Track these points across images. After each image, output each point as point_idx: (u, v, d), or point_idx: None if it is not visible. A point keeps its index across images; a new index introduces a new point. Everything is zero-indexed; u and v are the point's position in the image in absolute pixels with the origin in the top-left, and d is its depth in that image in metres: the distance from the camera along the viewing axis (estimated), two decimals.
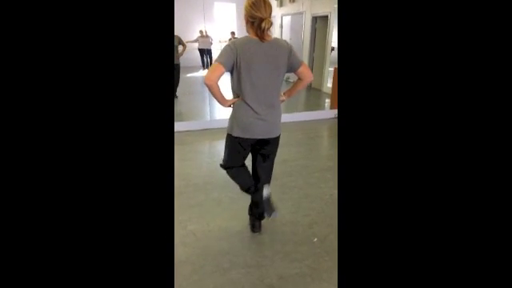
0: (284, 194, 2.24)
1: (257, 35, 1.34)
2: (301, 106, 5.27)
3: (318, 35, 5.97)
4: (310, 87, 6.28)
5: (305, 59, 6.37)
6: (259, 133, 1.48)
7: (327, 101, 5.17)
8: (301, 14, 6.22)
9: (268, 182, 1.72)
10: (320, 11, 5.61)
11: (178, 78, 4.99)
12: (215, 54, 5.59)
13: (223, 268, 1.53)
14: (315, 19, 5.90)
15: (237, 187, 2.28)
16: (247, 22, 1.36)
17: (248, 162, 1.68)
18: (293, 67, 1.45)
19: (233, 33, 6.07)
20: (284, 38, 7.06)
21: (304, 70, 1.48)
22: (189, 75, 5.87)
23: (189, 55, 5.14)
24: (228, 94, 1.51)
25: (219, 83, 1.39)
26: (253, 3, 1.31)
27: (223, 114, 3.78)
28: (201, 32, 5.91)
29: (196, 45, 6.07)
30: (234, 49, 1.33)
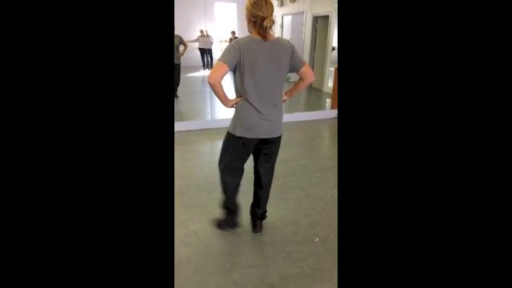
0: (285, 194, 2.24)
1: (259, 34, 1.34)
2: (301, 105, 5.26)
3: (318, 35, 5.97)
4: (310, 87, 6.28)
5: (305, 59, 6.37)
6: (262, 132, 1.47)
7: (328, 101, 5.17)
8: (301, 13, 6.21)
9: (269, 182, 1.72)
10: (321, 11, 5.60)
11: (179, 77, 4.98)
12: (216, 54, 5.60)
13: (225, 268, 1.53)
14: (316, 19, 5.90)
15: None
16: (249, 21, 1.36)
17: (248, 163, 1.68)
18: (295, 67, 1.45)
19: (233, 32, 6.07)
20: (285, 37, 7.06)
21: (306, 70, 1.48)
22: (189, 75, 5.87)
23: (189, 55, 5.13)
24: (230, 95, 1.51)
25: (222, 83, 1.39)
26: (254, 2, 1.31)
27: (224, 113, 3.78)
28: (201, 32, 5.90)
29: (196, 44, 6.07)
30: (238, 48, 1.32)
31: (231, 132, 1.50)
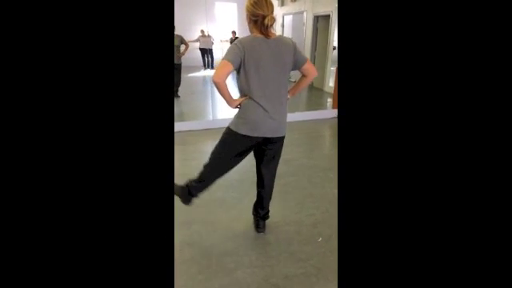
0: (288, 194, 2.24)
1: (261, 33, 1.34)
2: (303, 105, 5.27)
3: (319, 34, 5.97)
4: (311, 86, 6.28)
5: None
6: (267, 131, 1.46)
7: (329, 100, 5.17)
8: (302, 13, 6.21)
9: (272, 183, 1.71)
10: (321, 10, 5.60)
11: (180, 77, 4.98)
12: (216, 54, 5.60)
13: (228, 268, 1.53)
14: (317, 18, 5.89)
15: (241, 186, 2.30)
16: (250, 21, 1.37)
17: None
18: (298, 64, 1.45)
19: (234, 32, 6.06)
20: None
21: (309, 67, 1.48)
22: (190, 75, 5.87)
23: (190, 55, 5.13)
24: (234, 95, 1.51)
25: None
26: (254, 2, 1.32)
27: (225, 113, 3.78)
28: (202, 32, 5.90)
29: (197, 44, 6.07)
30: (241, 47, 1.32)
31: (234, 130, 1.47)
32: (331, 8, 5.27)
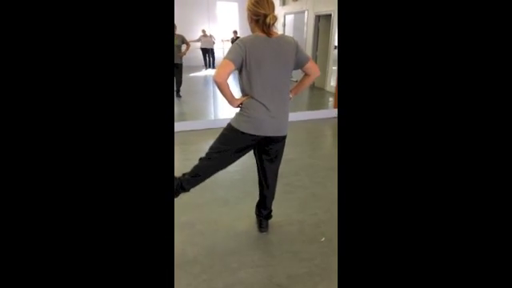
0: (290, 194, 2.23)
1: (263, 32, 1.34)
2: (304, 105, 5.26)
3: (321, 34, 5.96)
4: (313, 86, 6.27)
5: None
6: (269, 130, 1.46)
7: (331, 99, 5.16)
8: (304, 12, 6.20)
9: (275, 182, 1.71)
10: (323, 10, 5.59)
11: (181, 77, 4.98)
12: (218, 54, 5.60)
13: (232, 267, 1.53)
14: (318, 18, 5.88)
15: (243, 186, 2.29)
16: (251, 20, 1.37)
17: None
18: (300, 63, 1.45)
19: (235, 32, 6.06)
20: None
21: (311, 66, 1.48)
22: (191, 75, 5.87)
23: (191, 54, 5.13)
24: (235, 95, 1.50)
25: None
26: (256, 1, 1.32)
27: (227, 113, 3.78)
28: (203, 31, 5.90)
29: (199, 44, 6.07)
30: (243, 46, 1.32)
31: (235, 127, 1.45)
32: (333, 7, 5.26)
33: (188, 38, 4.80)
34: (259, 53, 1.34)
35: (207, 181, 2.37)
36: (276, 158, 1.61)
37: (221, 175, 1.67)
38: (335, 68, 5.37)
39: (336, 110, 4.35)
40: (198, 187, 2.33)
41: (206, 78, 5.92)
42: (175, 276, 1.47)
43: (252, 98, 1.42)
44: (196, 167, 1.61)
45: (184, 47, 4.74)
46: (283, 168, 2.57)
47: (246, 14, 1.38)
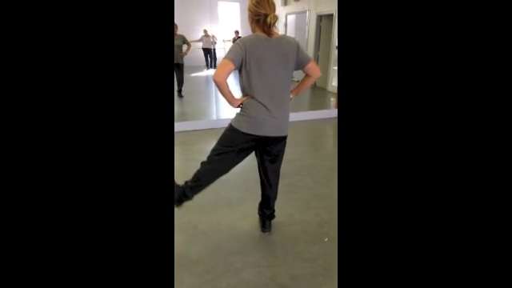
0: (293, 194, 2.23)
1: (264, 32, 1.34)
2: (306, 105, 5.26)
3: (322, 34, 5.96)
4: (314, 86, 6.27)
5: None
6: (269, 130, 1.45)
7: (332, 99, 5.16)
8: (305, 12, 6.20)
9: (277, 182, 1.70)
10: (325, 10, 5.59)
11: (183, 77, 4.99)
12: (219, 54, 5.61)
13: (235, 268, 1.53)
14: (320, 18, 5.88)
15: (245, 186, 2.29)
16: (252, 20, 1.36)
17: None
18: (301, 63, 1.44)
19: (237, 32, 6.06)
20: None
21: (312, 66, 1.47)
22: (193, 75, 5.87)
23: (193, 54, 5.14)
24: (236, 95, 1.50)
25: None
26: (257, 2, 1.32)
27: (229, 113, 3.78)
28: (205, 31, 5.91)
29: (200, 44, 6.08)
30: (243, 46, 1.32)
31: (236, 127, 1.45)
32: (334, 7, 5.26)
33: (190, 38, 4.81)
34: (259, 53, 1.33)
35: None
36: (277, 157, 1.60)
37: (223, 175, 1.67)
38: (337, 68, 5.36)
39: (337, 110, 4.35)
40: None
41: (207, 78, 5.92)
42: (178, 276, 1.47)
43: (252, 97, 1.41)
44: (197, 172, 1.60)
45: (185, 47, 4.75)
46: (285, 168, 2.57)
47: (247, 13, 1.38)
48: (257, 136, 1.45)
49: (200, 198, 2.22)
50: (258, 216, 1.84)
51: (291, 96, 1.56)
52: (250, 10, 1.35)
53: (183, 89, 5.09)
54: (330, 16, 5.51)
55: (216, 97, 4.44)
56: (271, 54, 1.35)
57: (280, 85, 1.42)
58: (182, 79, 5.02)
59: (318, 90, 6.04)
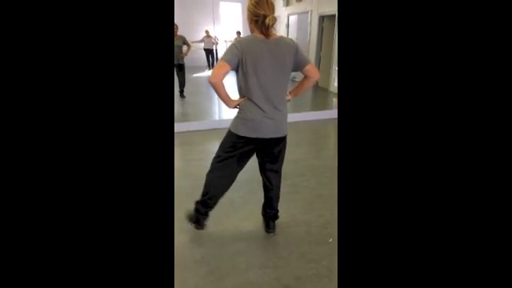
0: (296, 194, 2.23)
1: (262, 33, 1.34)
2: (308, 105, 5.25)
3: (325, 34, 5.95)
4: (316, 86, 6.26)
5: (311, 58, 6.35)
6: (267, 132, 1.45)
7: (334, 100, 5.15)
8: (307, 13, 6.20)
9: (279, 183, 1.69)
10: (327, 10, 5.59)
11: (184, 77, 5.00)
12: (221, 54, 5.62)
13: (240, 268, 1.52)
14: (322, 18, 5.88)
15: (249, 186, 2.28)
16: (251, 21, 1.36)
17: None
18: (299, 65, 1.44)
19: (238, 32, 6.06)
20: (290, 37, 7.04)
21: (310, 69, 1.46)
22: (195, 75, 5.88)
23: (195, 55, 5.15)
24: (234, 96, 1.49)
25: (226, 84, 1.37)
26: (256, 2, 1.32)
27: (232, 113, 3.78)
28: (207, 32, 5.92)
29: (202, 45, 6.08)
30: (240, 47, 1.32)
31: (233, 131, 1.47)
32: (336, 8, 5.26)
33: (192, 39, 4.83)
34: (255, 54, 1.33)
35: None
36: (278, 158, 1.59)
37: (231, 182, 1.66)
38: None
39: None
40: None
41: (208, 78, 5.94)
42: (183, 277, 1.46)
43: (248, 99, 1.41)
44: (204, 185, 1.63)
45: (185, 48, 4.77)
46: (289, 169, 2.57)
47: (246, 14, 1.38)
48: (255, 139, 1.45)
49: None
50: (261, 217, 1.84)
51: (289, 97, 1.56)
52: (249, 11, 1.35)
53: (185, 89, 5.10)
54: (333, 16, 5.51)
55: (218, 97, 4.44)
56: (268, 56, 1.34)
57: (277, 86, 1.41)
58: (184, 80, 5.03)
59: (321, 91, 6.04)
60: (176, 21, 3.47)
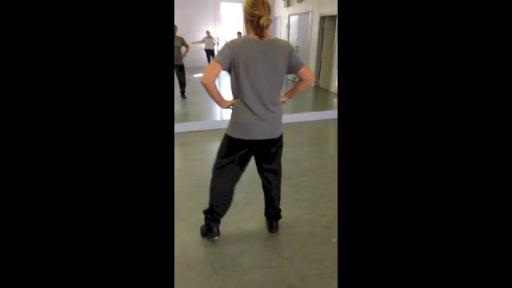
0: (299, 194, 2.22)
1: (256, 33, 1.34)
2: (309, 105, 5.26)
3: (325, 35, 5.96)
4: (317, 87, 6.27)
5: (312, 59, 6.35)
6: (260, 134, 1.45)
7: (335, 100, 5.15)
8: (308, 13, 6.20)
9: (279, 182, 1.69)
10: (328, 11, 5.59)
11: (185, 78, 5.00)
12: None
13: (243, 268, 1.52)
14: (323, 19, 5.88)
15: (251, 186, 2.28)
16: (247, 21, 1.36)
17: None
18: (293, 67, 1.43)
19: (239, 33, 6.06)
20: (291, 37, 7.04)
21: (305, 71, 1.45)
22: (195, 76, 5.88)
23: (196, 56, 5.16)
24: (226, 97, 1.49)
25: (219, 86, 1.37)
26: (252, 3, 1.32)
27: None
28: (207, 33, 5.92)
29: (203, 45, 6.09)
30: (232, 48, 1.32)
31: (228, 134, 1.48)
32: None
33: (192, 39, 4.84)
34: (247, 55, 1.33)
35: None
36: (274, 157, 1.59)
37: (234, 185, 1.66)
38: None
39: None
40: (205, 188, 2.32)
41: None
42: (187, 277, 1.46)
43: (241, 100, 1.41)
44: (209, 192, 1.64)
45: (183, 49, 4.78)
46: (291, 169, 2.57)
47: (242, 14, 1.38)
48: (248, 140, 1.45)
49: (206, 198, 2.22)
50: (264, 217, 1.84)
51: (284, 99, 1.56)
52: (245, 11, 1.35)
53: (186, 90, 5.10)
54: (333, 17, 5.51)
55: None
56: (260, 57, 1.34)
57: (269, 87, 1.40)
58: (185, 80, 5.04)
59: (321, 91, 6.04)
60: (177, 21, 3.47)
